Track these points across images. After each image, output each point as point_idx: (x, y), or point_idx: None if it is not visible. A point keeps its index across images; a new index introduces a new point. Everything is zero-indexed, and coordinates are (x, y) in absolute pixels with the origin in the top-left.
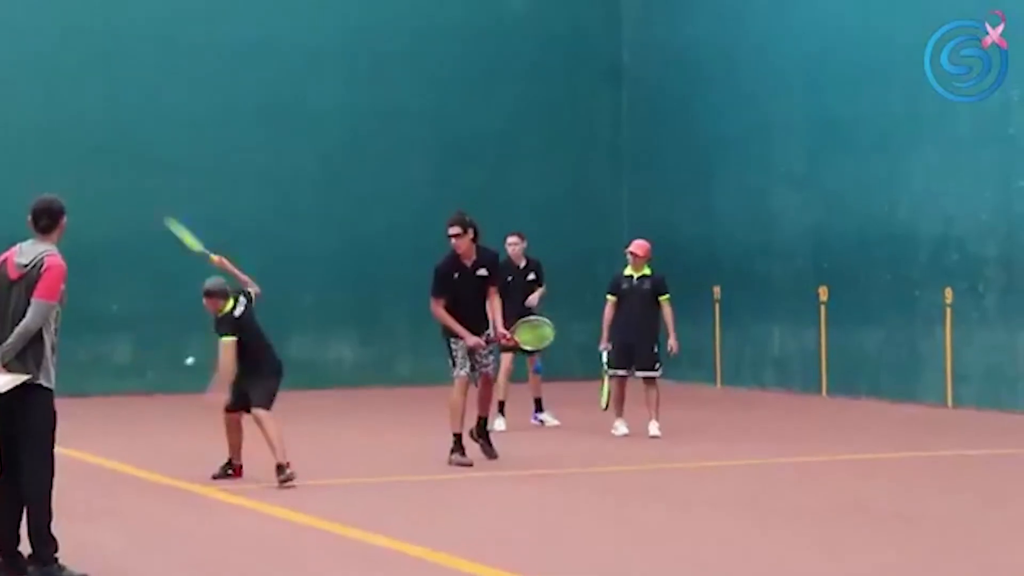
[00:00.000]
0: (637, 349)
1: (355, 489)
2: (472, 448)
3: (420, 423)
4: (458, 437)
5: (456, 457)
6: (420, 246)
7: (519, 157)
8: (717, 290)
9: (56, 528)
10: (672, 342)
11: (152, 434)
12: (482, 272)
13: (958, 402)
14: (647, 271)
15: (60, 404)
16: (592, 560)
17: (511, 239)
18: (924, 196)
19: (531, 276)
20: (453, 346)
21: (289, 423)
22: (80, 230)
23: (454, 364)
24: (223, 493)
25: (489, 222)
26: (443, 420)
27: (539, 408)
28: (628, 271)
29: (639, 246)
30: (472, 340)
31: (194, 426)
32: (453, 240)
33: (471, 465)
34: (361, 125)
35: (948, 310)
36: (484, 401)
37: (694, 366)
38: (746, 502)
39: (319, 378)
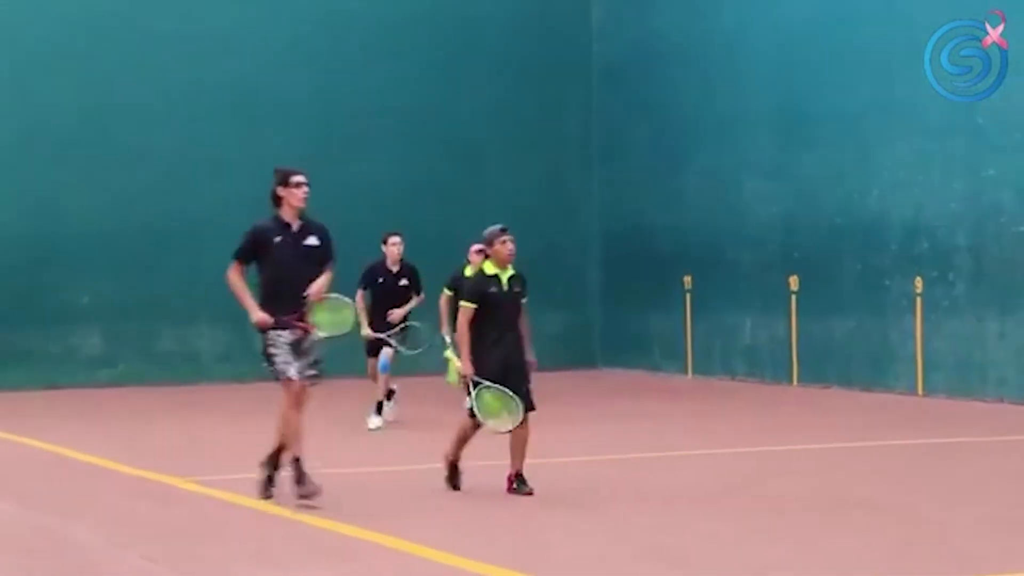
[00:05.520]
0: None
1: (325, 480)
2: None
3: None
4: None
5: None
6: None
7: (489, 150)
8: (688, 280)
9: (30, 523)
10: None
11: (124, 426)
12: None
13: (929, 390)
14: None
15: (32, 397)
16: (566, 552)
17: (393, 239)
18: (894, 186)
19: (404, 281)
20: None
21: (259, 415)
22: (49, 223)
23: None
24: (197, 485)
25: (459, 214)
26: (416, 412)
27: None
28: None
29: None
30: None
31: (166, 418)
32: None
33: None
34: (330, 119)
35: (918, 299)
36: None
37: (665, 356)
38: (716, 492)
39: None
